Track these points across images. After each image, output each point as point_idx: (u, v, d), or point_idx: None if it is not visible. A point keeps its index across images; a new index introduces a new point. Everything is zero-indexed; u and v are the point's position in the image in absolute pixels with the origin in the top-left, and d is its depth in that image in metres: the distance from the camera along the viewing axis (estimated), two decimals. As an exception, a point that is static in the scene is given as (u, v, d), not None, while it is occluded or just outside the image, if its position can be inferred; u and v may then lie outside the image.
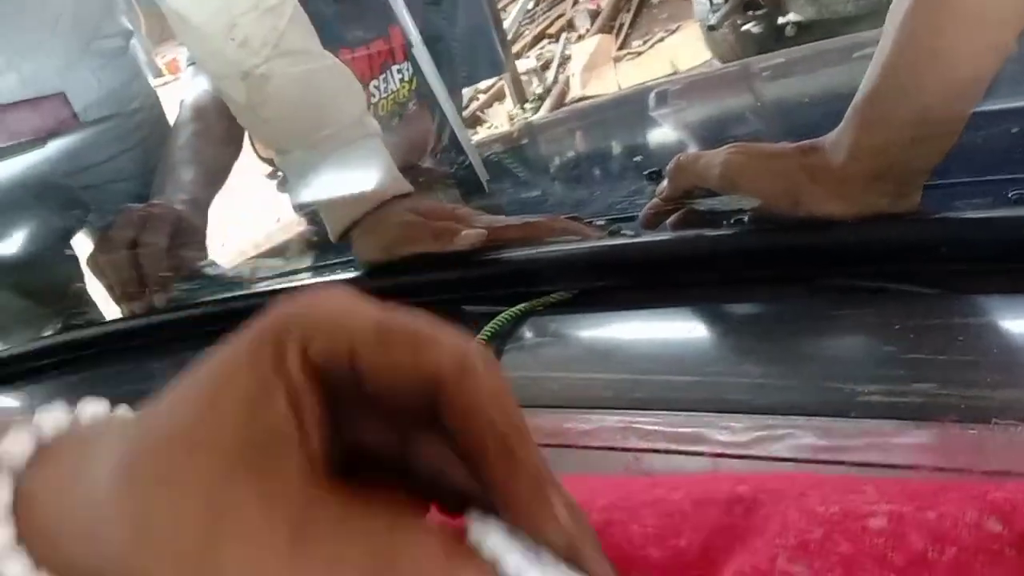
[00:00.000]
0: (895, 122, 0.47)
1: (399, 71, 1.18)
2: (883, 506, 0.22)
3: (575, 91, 3.43)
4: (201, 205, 0.98)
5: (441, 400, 0.19)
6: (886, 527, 0.21)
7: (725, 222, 0.55)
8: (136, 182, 1.03)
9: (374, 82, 1.19)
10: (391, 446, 0.21)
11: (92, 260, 0.86)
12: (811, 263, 0.50)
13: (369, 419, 0.20)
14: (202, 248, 0.92)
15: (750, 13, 2.77)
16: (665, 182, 0.58)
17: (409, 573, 0.18)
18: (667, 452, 0.39)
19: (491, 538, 0.18)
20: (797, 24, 2.71)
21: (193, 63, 1.14)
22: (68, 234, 1.07)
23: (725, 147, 0.54)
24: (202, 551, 0.17)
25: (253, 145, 1.28)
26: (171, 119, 1.11)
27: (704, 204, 0.54)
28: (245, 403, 0.19)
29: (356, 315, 0.19)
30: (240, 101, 0.69)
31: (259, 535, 0.17)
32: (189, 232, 0.87)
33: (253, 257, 1.15)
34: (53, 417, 0.20)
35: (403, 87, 1.20)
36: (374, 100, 1.18)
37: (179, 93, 1.13)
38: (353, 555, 0.18)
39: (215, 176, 1.05)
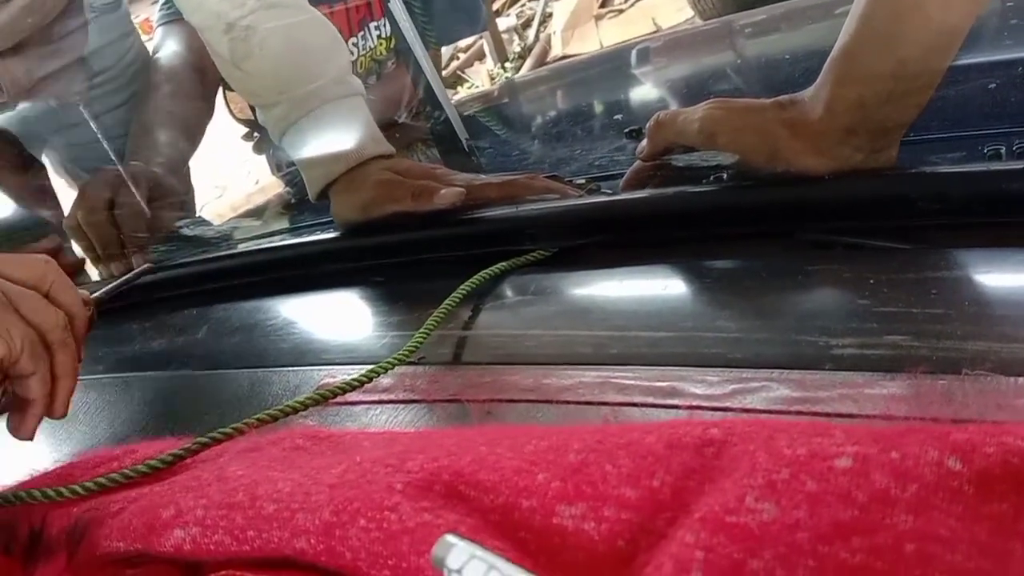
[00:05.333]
0: (872, 76, 0.47)
1: (376, 28, 1.16)
2: (849, 448, 0.23)
3: (556, 50, 3.39)
4: (176, 166, 0.96)
5: None
6: (851, 467, 0.22)
7: (704, 180, 0.55)
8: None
9: (352, 39, 1.17)
10: None
11: (70, 221, 0.85)
12: (788, 218, 0.51)
13: None
14: (182, 208, 0.91)
15: (732, -30, 2.74)
16: (645, 140, 0.58)
17: None
18: (644, 406, 0.39)
19: (453, 555, 0.22)
20: (780, -19, 2.68)
21: (163, 23, 1.11)
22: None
23: (704, 103, 0.54)
24: None
25: (228, 106, 1.26)
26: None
27: (683, 160, 0.54)
28: None
29: None
30: (223, 54, 0.68)
31: None
32: (167, 192, 0.87)
33: (231, 219, 1.14)
34: None
35: (381, 44, 1.18)
36: (352, 58, 1.17)
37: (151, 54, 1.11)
38: None
39: (189, 137, 1.04)
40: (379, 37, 1.19)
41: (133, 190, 0.81)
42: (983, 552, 0.20)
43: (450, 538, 0.22)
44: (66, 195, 1.06)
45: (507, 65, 3.44)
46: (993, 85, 0.61)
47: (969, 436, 0.22)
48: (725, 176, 0.54)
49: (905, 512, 0.21)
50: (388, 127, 0.90)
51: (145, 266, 0.72)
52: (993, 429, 0.22)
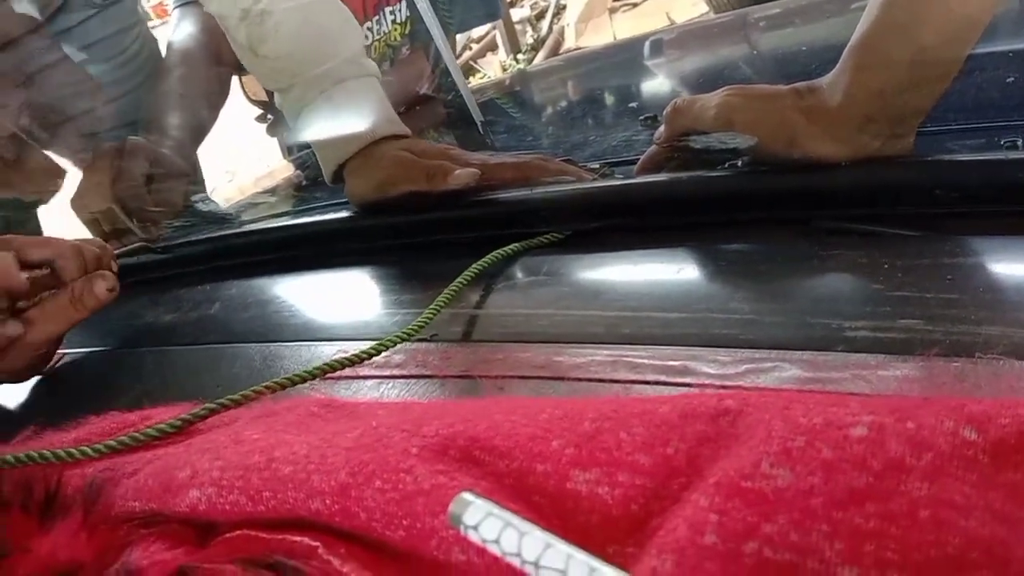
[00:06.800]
0: (892, 63, 0.47)
1: (392, 13, 1.16)
2: (864, 417, 0.23)
3: (569, 42, 3.38)
4: (185, 148, 0.97)
5: None
6: (866, 435, 0.22)
7: (719, 167, 0.55)
8: (133, 128, 1.02)
9: (367, 24, 1.17)
10: None
11: (76, 199, 0.86)
12: (804, 205, 0.51)
13: None
14: (189, 187, 0.92)
15: (749, -34, 2.73)
16: (662, 126, 0.58)
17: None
18: (656, 383, 0.39)
19: (470, 512, 0.22)
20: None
21: (180, 4, 1.12)
22: None
23: (722, 89, 0.54)
24: None
25: (243, 88, 1.26)
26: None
27: (700, 142, 0.54)
28: None
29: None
30: (242, 41, 0.70)
31: None
32: (172, 169, 0.87)
33: (244, 200, 1.14)
34: None
35: (395, 29, 1.18)
36: (367, 42, 1.17)
37: (166, 37, 1.12)
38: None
39: (201, 120, 1.05)
40: (394, 22, 1.19)
41: (134, 166, 0.81)
42: (997, 518, 0.20)
43: (467, 496, 0.22)
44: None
45: (520, 56, 3.43)
46: (1011, 79, 0.61)
47: (985, 408, 0.22)
48: (741, 162, 0.54)
49: (920, 480, 0.21)
50: (403, 111, 0.91)
51: (137, 244, 0.74)
52: (1009, 401, 0.23)
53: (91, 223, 0.84)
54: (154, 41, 1.11)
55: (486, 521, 0.22)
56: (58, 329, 0.57)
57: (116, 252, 0.63)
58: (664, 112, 0.57)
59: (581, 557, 0.20)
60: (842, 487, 0.21)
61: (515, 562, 0.21)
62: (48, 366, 0.61)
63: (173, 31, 1.10)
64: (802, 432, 0.23)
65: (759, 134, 0.51)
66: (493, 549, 0.21)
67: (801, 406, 0.24)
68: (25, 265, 0.56)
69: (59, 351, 0.63)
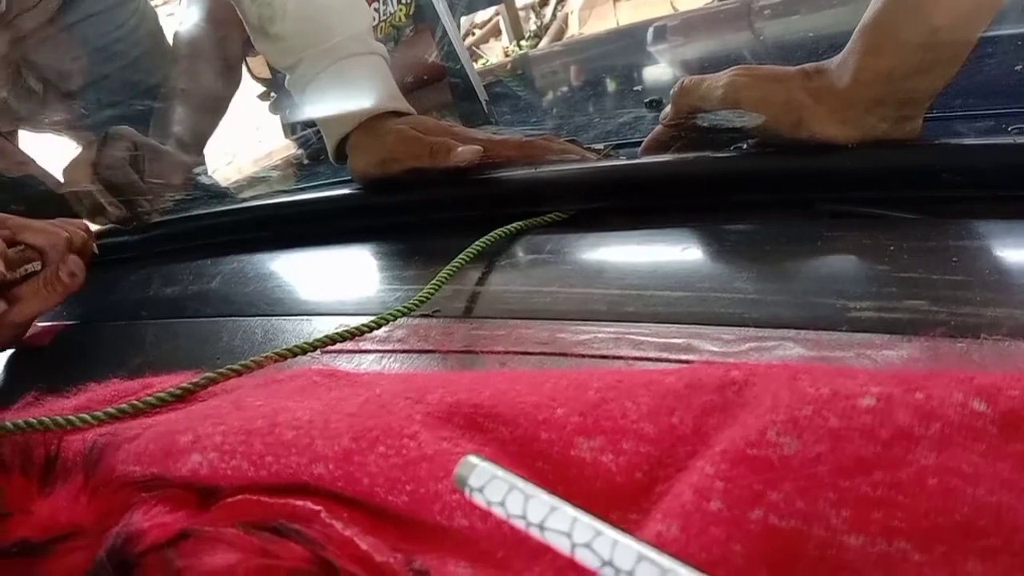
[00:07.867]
0: (901, 45, 0.46)
1: (398, -8, 1.15)
2: (873, 388, 0.23)
3: (573, 29, 3.37)
4: (186, 139, 0.96)
5: None
6: (875, 406, 0.22)
7: (724, 149, 0.55)
8: (135, 101, 1.02)
9: (374, 4, 1.16)
10: None
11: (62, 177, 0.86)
12: (810, 187, 0.51)
13: None
14: (181, 168, 0.91)
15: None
16: (668, 107, 0.58)
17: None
18: (659, 360, 0.39)
19: (475, 475, 0.22)
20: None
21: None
22: None
23: (729, 69, 0.53)
24: None
25: (247, 66, 1.25)
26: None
27: (707, 120, 0.54)
28: None
29: None
30: (253, 22, 0.71)
31: None
32: (155, 153, 0.86)
33: (245, 178, 1.14)
34: None
35: (401, 10, 1.17)
36: (373, 23, 1.16)
37: (170, 20, 1.11)
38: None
39: (209, 109, 1.04)
40: (399, 2, 1.18)
41: (115, 150, 0.81)
42: (1006, 487, 0.20)
43: (472, 459, 0.22)
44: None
45: (523, 43, 3.42)
46: (1020, 66, 0.61)
47: (994, 379, 0.22)
48: (746, 144, 0.54)
49: (928, 449, 0.21)
50: (409, 86, 0.90)
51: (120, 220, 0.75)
52: (1018, 374, 0.22)
53: (73, 200, 0.84)
54: (154, 16, 1.11)
55: (491, 484, 0.22)
56: (36, 310, 0.59)
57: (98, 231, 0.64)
58: (671, 91, 0.57)
59: (586, 520, 0.20)
60: (849, 456, 0.21)
61: (520, 524, 0.21)
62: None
63: (183, 19, 1.09)
64: (809, 402, 0.23)
65: (766, 114, 0.51)
66: (498, 511, 0.21)
67: (808, 377, 0.24)
68: (15, 243, 0.57)
69: (63, 322, 0.63)
